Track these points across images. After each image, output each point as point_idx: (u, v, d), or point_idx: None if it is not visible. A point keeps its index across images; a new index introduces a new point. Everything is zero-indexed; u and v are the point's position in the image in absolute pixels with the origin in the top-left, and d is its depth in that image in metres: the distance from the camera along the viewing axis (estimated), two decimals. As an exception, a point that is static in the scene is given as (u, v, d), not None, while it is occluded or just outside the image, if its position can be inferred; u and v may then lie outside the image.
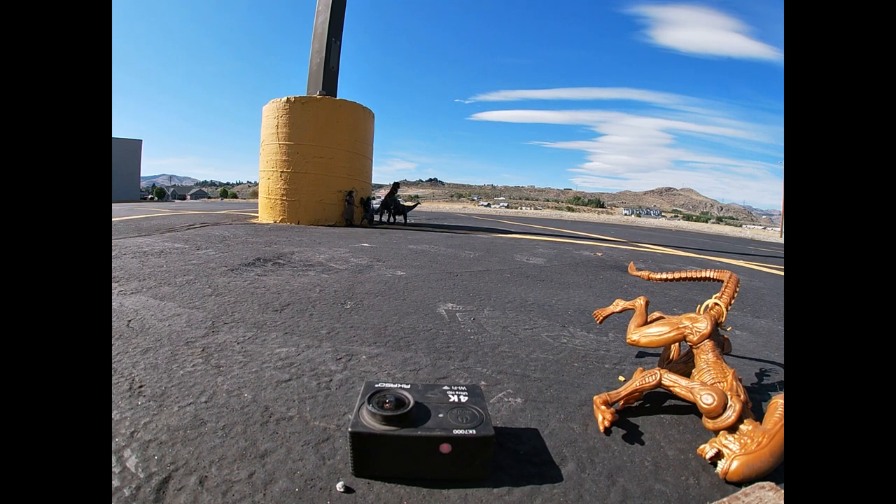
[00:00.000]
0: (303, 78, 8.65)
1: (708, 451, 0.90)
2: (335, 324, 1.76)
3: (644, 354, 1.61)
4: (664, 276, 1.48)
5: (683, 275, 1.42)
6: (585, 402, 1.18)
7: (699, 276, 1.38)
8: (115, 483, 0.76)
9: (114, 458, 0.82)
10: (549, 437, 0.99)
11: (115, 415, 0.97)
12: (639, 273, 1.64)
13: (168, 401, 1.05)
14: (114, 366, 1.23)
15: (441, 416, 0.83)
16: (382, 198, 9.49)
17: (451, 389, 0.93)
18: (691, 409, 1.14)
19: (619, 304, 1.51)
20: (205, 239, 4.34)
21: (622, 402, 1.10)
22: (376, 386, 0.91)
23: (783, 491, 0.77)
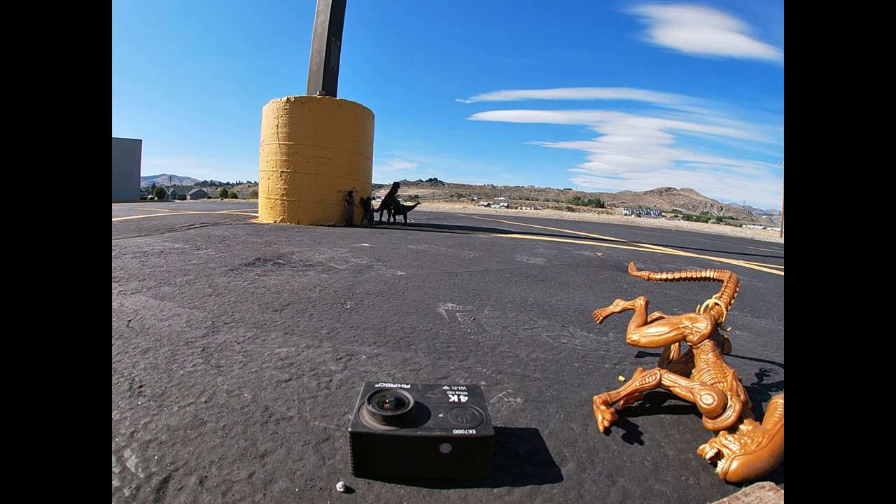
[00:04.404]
0: (303, 78, 8.65)
1: (708, 451, 0.90)
2: (335, 324, 1.76)
3: (644, 354, 1.61)
4: (664, 276, 1.48)
5: (683, 275, 1.42)
6: (585, 402, 1.18)
7: (699, 276, 1.38)
8: (115, 483, 0.75)
9: (114, 458, 0.82)
10: (549, 437, 0.99)
11: (115, 415, 0.97)
12: (639, 273, 1.64)
13: (168, 401, 1.05)
14: (114, 366, 1.23)
15: (441, 416, 0.83)
16: (382, 198, 9.49)
17: (451, 389, 0.93)
18: (691, 409, 1.14)
19: (619, 304, 1.51)
20: (205, 239, 4.34)
21: (622, 402, 1.10)
22: (376, 386, 0.90)
23: (783, 491, 0.77)
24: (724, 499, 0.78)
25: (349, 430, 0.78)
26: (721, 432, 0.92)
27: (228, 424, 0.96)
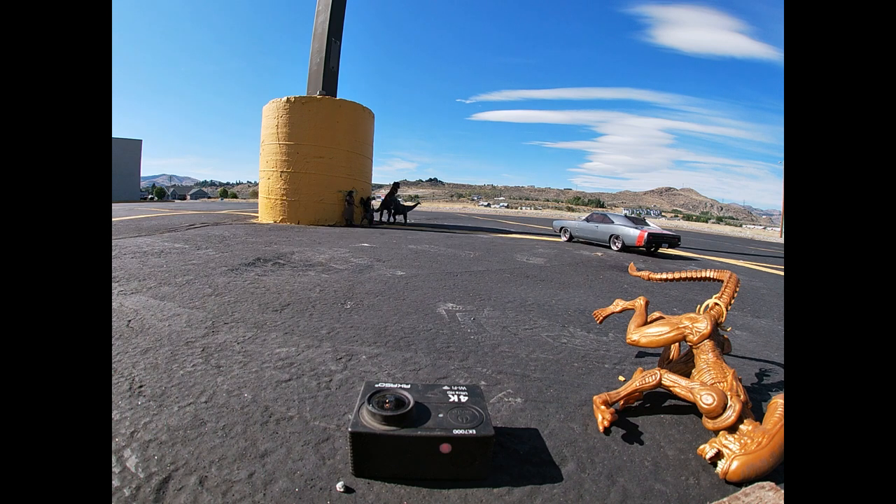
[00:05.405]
0: (303, 78, 8.66)
1: (708, 451, 0.91)
2: (335, 324, 1.76)
3: (644, 354, 1.61)
4: (664, 276, 1.48)
5: (683, 275, 1.42)
6: (585, 402, 1.18)
7: (699, 276, 1.38)
8: (115, 483, 0.76)
9: (114, 458, 0.82)
10: (549, 437, 0.99)
11: (115, 415, 0.97)
12: (639, 273, 1.64)
13: (168, 401, 1.05)
14: (114, 366, 1.23)
15: (441, 416, 0.83)
16: (382, 198, 9.50)
17: (451, 389, 0.93)
18: (691, 409, 1.14)
19: (619, 304, 1.51)
20: (205, 239, 4.34)
21: (622, 402, 1.10)
22: (376, 386, 0.91)
23: (783, 491, 0.77)
24: (724, 499, 0.78)
25: (349, 430, 0.78)
26: (721, 432, 0.92)
27: (228, 424, 0.96)
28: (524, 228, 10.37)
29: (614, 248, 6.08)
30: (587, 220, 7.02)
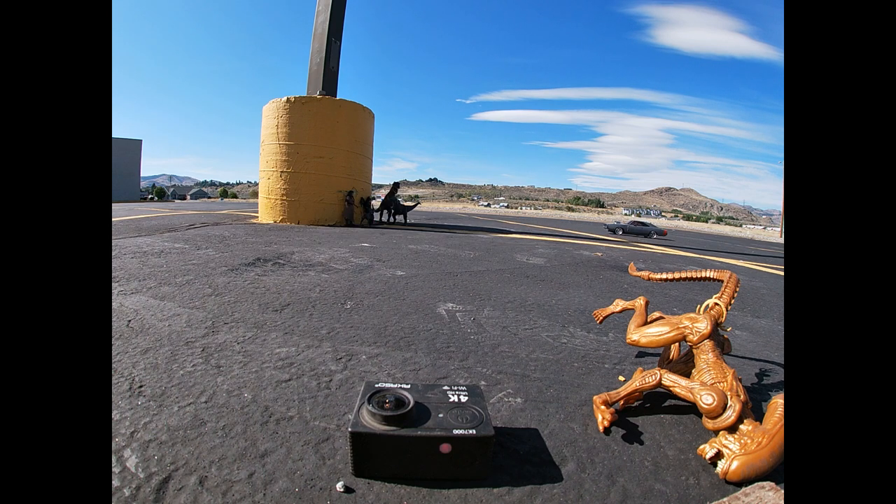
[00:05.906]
0: (303, 78, 8.66)
1: (708, 451, 0.90)
2: (335, 324, 1.76)
3: (644, 354, 1.61)
4: (664, 276, 1.48)
5: (683, 275, 1.42)
6: (585, 402, 1.18)
7: (699, 276, 1.38)
8: (115, 483, 0.76)
9: (114, 458, 0.82)
10: (549, 437, 0.99)
11: (115, 415, 0.97)
12: (639, 273, 1.64)
13: (168, 401, 1.05)
14: (114, 366, 1.23)
15: (441, 416, 0.83)
16: (382, 198, 9.51)
17: (451, 389, 0.93)
18: (691, 409, 1.14)
19: (619, 304, 1.51)
20: (205, 239, 4.34)
21: (622, 402, 1.10)
22: (376, 386, 0.91)
23: (783, 491, 0.77)
24: (724, 499, 0.78)
25: (349, 430, 0.78)
26: (721, 432, 0.92)
27: (228, 424, 0.96)
28: (524, 228, 10.38)
29: (655, 235, 12.15)
30: (633, 223, 12.88)
